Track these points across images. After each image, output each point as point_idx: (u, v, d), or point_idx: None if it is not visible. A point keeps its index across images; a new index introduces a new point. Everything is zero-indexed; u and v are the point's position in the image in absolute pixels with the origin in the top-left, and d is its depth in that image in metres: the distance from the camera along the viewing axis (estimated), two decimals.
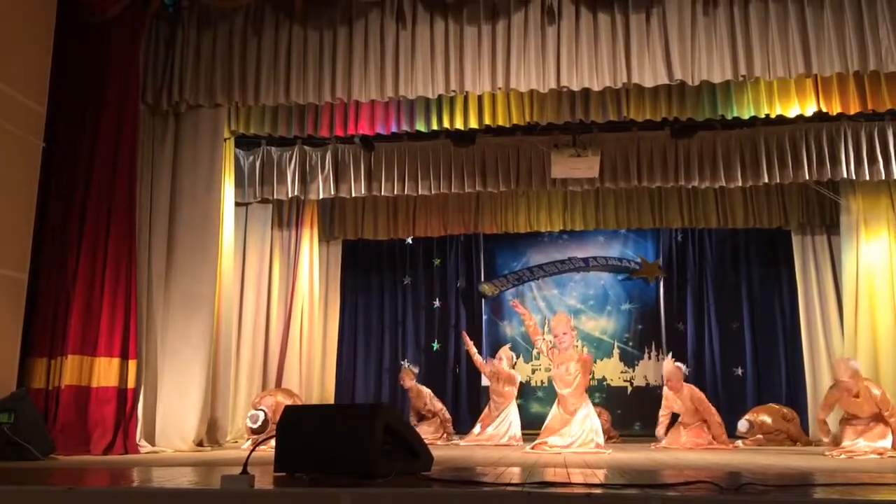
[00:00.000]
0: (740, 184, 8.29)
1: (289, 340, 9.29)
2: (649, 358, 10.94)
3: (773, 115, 7.31)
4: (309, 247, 9.67)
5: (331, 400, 9.86)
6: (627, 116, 7.36)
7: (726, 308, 10.78)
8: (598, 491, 2.84)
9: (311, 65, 6.54)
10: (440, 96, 6.84)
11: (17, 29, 5.84)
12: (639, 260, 11.20)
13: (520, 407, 8.97)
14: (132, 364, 6.27)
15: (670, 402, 7.93)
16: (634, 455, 6.25)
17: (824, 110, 7.06)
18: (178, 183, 6.94)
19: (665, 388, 8.02)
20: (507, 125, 7.59)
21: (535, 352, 10.76)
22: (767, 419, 8.39)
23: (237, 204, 8.25)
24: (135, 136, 6.58)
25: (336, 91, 6.49)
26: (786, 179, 8.17)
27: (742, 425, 8.36)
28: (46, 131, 6.17)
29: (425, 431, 8.50)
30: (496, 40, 6.33)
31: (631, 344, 11.06)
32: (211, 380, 6.97)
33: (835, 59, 6.00)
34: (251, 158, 8.81)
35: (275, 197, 8.83)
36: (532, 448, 6.71)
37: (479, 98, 7.36)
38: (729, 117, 7.41)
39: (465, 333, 9.75)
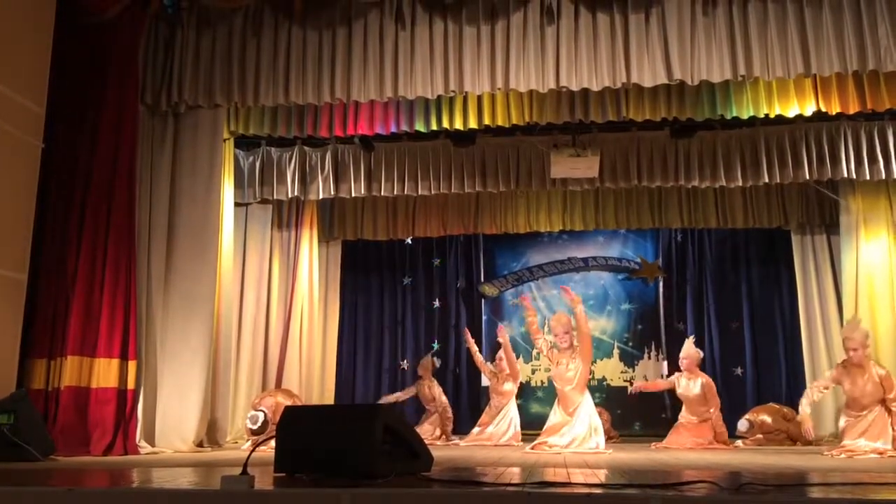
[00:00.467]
0: (740, 184, 8.29)
1: (289, 341, 9.29)
2: (649, 358, 10.94)
3: (772, 115, 7.31)
4: (309, 247, 9.67)
5: (330, 400, 9.87)
6: (627, 116, 7.36)
7: (726, 308, 10.78)
8: (598, 491, 2.84)
9: (310, 65, 6.53)
10: (440, 96, 6.84)
11: (17, 30, 5.84)
12: (638, 260, 11.20)
13: (520, 407, 8.99)
14: (132, 365, 6.27)
15: (673, 382, 8.05)
16: (634, 455, 6.25)
17: (824, 110, 7.06)
18: (178, 183, 6.93)
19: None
20: (507, 125, 7.59)
21: (534, 352, 10.76)
22: (767, 419, 8.40)
23: (237, 204, 8.25)
24: (134, 136, 6.57)
25: (335, 91, 6.49)
26: (786, 179, 8.17)
27: (742, 425, 8.36)
28: (46, 132, 6.16)
29: (425, 431, 8.52)
30: (495, 41, 6.33)
31: (631, 344, 11.06)
32: (211, 380, 6.97)
33: (834, 59, 6.00)
34: (251, 159, 8.81)
35: (274, 197, 8.83)
36: (532, 448, 6.71)
37: (479, 98, 7.36)
38: (728, 117, 7.41)
39: (466, 331, 9.76)
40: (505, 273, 11.46)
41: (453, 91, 6.40)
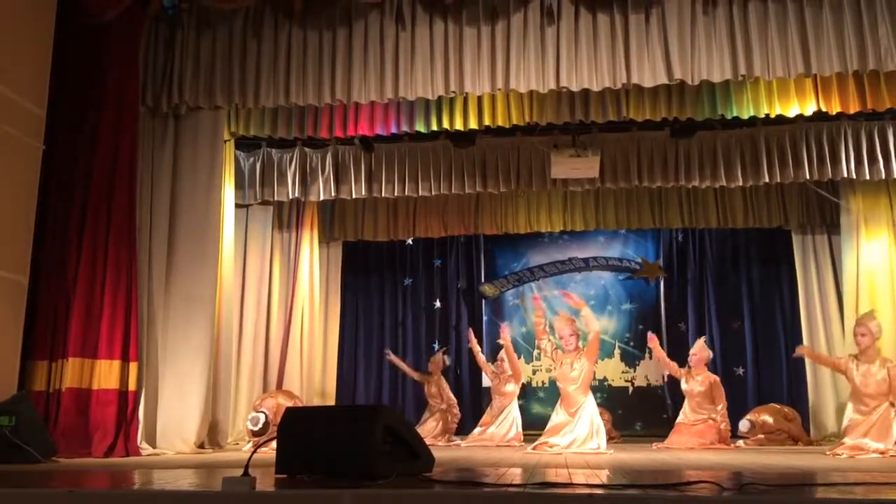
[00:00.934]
0: (740, 183, 8.29)
1: (289, 342, 9.29)
2: (650, 358, 10.92)
3: (772, 115, 7.31)
4: (309, 248, 9.66)
5: (331, 401, 9.86)
6: (627, 116, 7.35)
7: (727, 308, 10.79)
8: (599, 491, 2.84)
9: (310, 66, 6.53)
10: (440, 97, 6.84)
11: (17, 31, 5.83)
12: (639, 260, 11.20)
13: (521, 407, 8.99)
14: (133, 366, 6.26)
15: (682, 374, 8.06)
16: (636, 455, 6.25)
17: (824, 110, 7.06)
18: (179, 185, 6.93)
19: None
20: (507, 126, 7.59)
21: (535, 352, 10.76)
22: (769, 419, 8.40)
23: (237, 206, 8.25)
24: (135, 138, 6.57)
25: (336, 92, 6.49)
26: (786, 179, 8.17)
27: (743, 425, 8.36)
28: (46, 134, 6.16)
29: (427, 430, 8.53)
30: (496, 41, 6.33)
31: (632, 344, 11.06)
32: (212, 381, 6.97)
33: (834, 59, 6.00)
34: (251, 160, 8.81)
35: (275, 198, 8.83)
36: (533, 448, 6.71)
37: (479, 99, 7.35)
38: (729, 117, 7.40)
39: (470, 331, 9.74)
40: (505, 273, 11.46)
41: (453, 92, 6.40)
